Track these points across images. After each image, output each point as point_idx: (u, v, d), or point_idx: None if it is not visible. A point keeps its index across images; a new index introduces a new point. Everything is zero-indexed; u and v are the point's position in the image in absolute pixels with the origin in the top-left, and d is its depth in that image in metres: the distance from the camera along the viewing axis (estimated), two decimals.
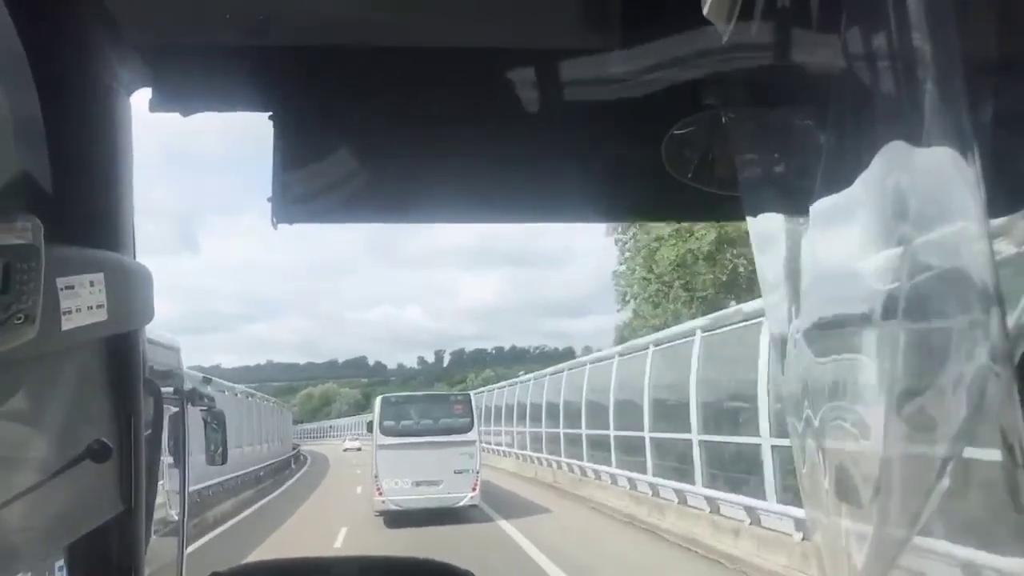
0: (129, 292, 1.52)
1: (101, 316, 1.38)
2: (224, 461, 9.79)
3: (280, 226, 1.74)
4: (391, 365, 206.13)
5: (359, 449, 60.64)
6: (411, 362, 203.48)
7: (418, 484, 21.94)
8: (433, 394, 31.71)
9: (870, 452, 1.04)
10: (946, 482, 0.92)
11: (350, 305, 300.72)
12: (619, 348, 25.44)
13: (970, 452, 0.91)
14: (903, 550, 1.00)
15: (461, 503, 22.14)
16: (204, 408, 8.85)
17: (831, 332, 1.15)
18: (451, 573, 1.87)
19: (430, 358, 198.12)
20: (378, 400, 24.58)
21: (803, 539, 12.57)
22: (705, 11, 1.35)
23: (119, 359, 1.54)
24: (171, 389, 7.31)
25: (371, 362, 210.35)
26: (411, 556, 1.99)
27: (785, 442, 11.68)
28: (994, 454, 0.88)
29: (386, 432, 22.67)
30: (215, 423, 9.74)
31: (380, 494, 22.12)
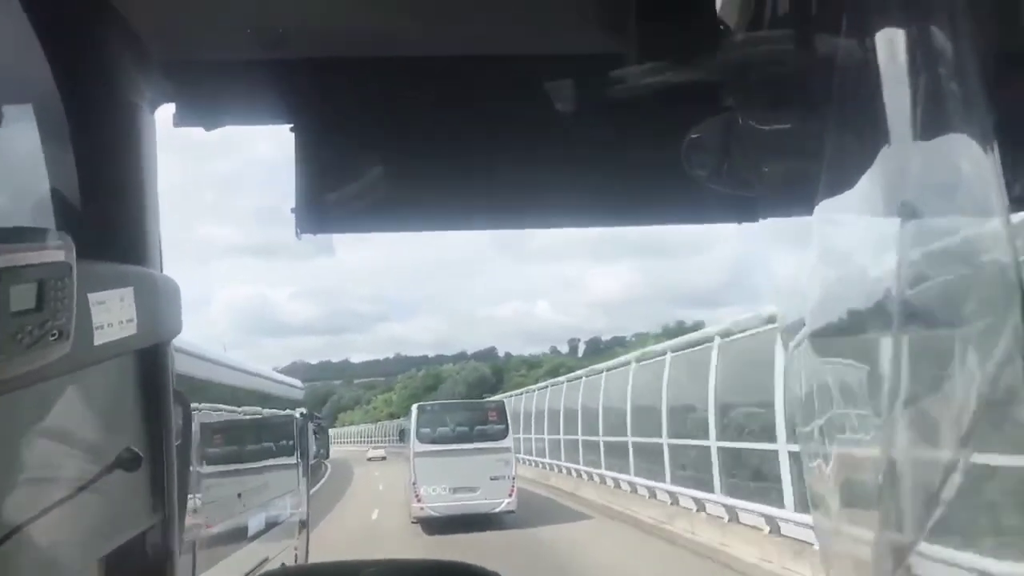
0: (158, 305, 1.53)
1: (132, 330, 1.39)
2: (327, 456, 21.00)
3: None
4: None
5: (384, 458, 55.31)
6: (544, 352, 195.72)
7: (456, 491, 22.04)
8: (468, 402, 31.71)
9: (878, 456, 1.02)
10: (954, 487, 0.90)
11: (480, 302, 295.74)
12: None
13: (988, 457, 0.89)
14: (909, 555, 0.98)
15: (498, 509, 22.23)
16: (315, 424, 14.16)
17: (842, 335, 1.13)
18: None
19: (563, 348, 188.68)
20: (413, 408, 24.74)
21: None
22: (718, 11, 1.33)
23: (149, 371, 1.55)
24: (299, 413, 12.76)
25: (500, 353, 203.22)
26: (438, 559, 1.98)
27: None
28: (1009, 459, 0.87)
29: (423, 440, 22.76)
30: (321, 433, 16.04)
31: (418, 501, 22.23)
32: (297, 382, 16.03)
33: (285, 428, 12.64)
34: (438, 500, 22.09)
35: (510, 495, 22.48)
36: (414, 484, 22.41)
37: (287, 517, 12.29)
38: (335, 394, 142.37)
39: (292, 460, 12.70)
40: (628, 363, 23.91)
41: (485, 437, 22.81)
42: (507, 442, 23.08)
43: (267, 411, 11.97)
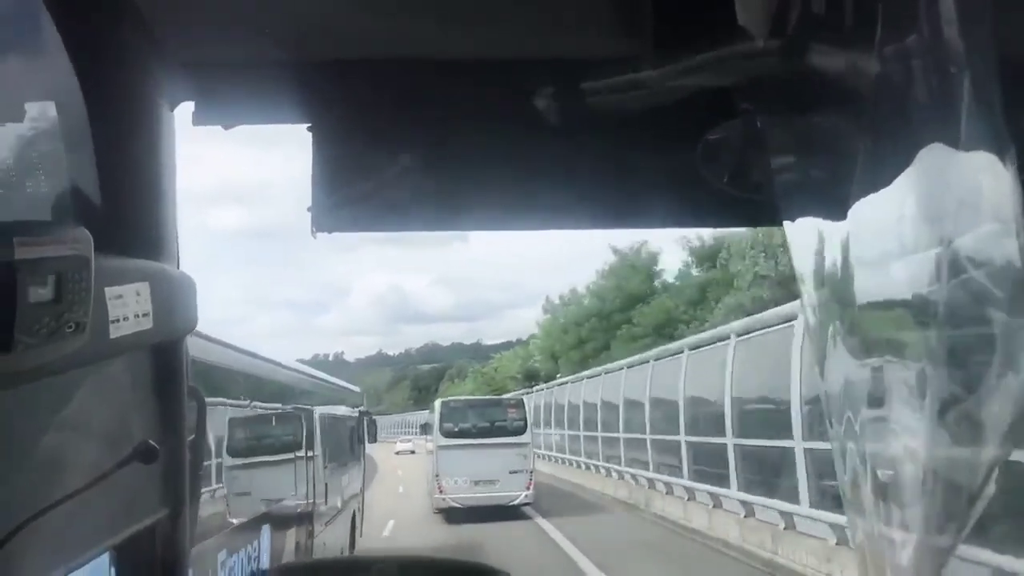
0: (173, 301, 1.49)
1: (147, 324, 1.35)
2: (375, 440, 20.80)
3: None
4: None
5: (413, 452, 51.13)
6: None
7: (476, 483, 22.38)
8: (489, 399, 31.88)
9: (913, 456, 0.96)
10: (992, 487, 0.85)
11: None
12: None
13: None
14: (949, 557, 0.93)
15: (516, 501, 22.52)
16: (369, 418, 19.37)
17: (872, 335, 1.08)
18: (489, 574, 1.81)
19: None
20: (437, 403, 24.97)
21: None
22: (740, 18, 1.28)
23: (164, 366, 1.51)
24: (357, 412, 18.60)
25: None
26: (449, 557, 1.95)
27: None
28: None
29: (446, 434, 23.06)
30: (372, 424, 20.12)
31: (440, 491, 22.63)
32: (356, 388, 21.89)
33: (352, 421, 17.60)
34: (459, 492, 22.39)
35: (528, 488, 22.72)
36: (437, 476, 22.72)
37: (355, 480, 17.17)
38: (452, 367, 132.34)
39: (356, 443, 17.92)
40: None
41: (505, 432, 22.99)
42: (526, 437, 23.30)
43: (340, 409, 16.41)
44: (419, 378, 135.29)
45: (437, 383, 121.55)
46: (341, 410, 16.39)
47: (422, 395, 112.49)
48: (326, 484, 13.02)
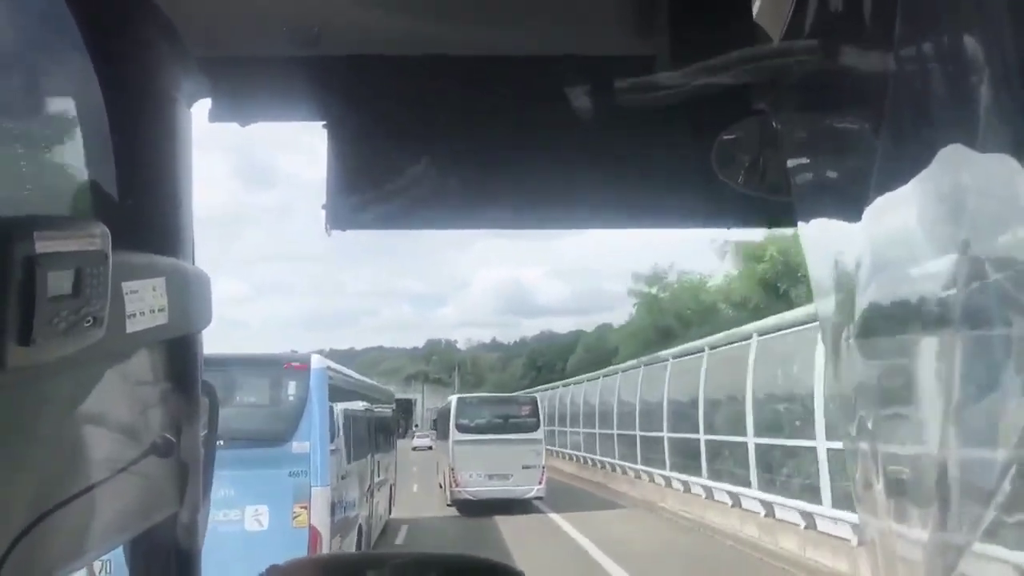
0: (189, 296, 1.47)
1: (163, 319, 1.32)
2: (408, 429, 39.41)
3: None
4: None
5: (430, 447, 49.39)
6: None
7: (491, 477, 22.69)
8: (503, 396, 32.00)
9: (926, 456, 0.93)
10: (1008, 488, 0.82)
11: None
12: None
13: None
14: (962, 558, 0.89)
15: (529, 495, 22.90)
16: (403, 412, 27.93)
17: (887, 336, 1.05)
18: (503, 572, 1.78)
19: None
20: (453, 400, 25.08)
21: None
22: (755, 14, 1.25)
23: (179, 361, 1.49)
24: (393, 406, 24.41)
25: None
26: (463, 553, 1.92)
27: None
28: None
29: (461, 430, 23.23)
30: (405, 416, 30.48)
31: (457, 485, 22.92)
32: (392, 390, 28.94)
33: (391, 415, 22.42)
34: (474, 485, 22.73)
35: (540, 483, 23.04)
36: (453, 470, 22.87)
37: (392, 456, 21.90)
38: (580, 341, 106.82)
39: (393, 433, 22.78)
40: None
41: (518, 429, 23.24)
42: (538, 434, 23.56)
43: (386, 406, 21.60)
44: (536, 354, 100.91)
45: (564, 360, 77.38)
46: (385, 408, 21.43)
47: (540, 375, 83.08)
48: (378, 461, 18.44)
